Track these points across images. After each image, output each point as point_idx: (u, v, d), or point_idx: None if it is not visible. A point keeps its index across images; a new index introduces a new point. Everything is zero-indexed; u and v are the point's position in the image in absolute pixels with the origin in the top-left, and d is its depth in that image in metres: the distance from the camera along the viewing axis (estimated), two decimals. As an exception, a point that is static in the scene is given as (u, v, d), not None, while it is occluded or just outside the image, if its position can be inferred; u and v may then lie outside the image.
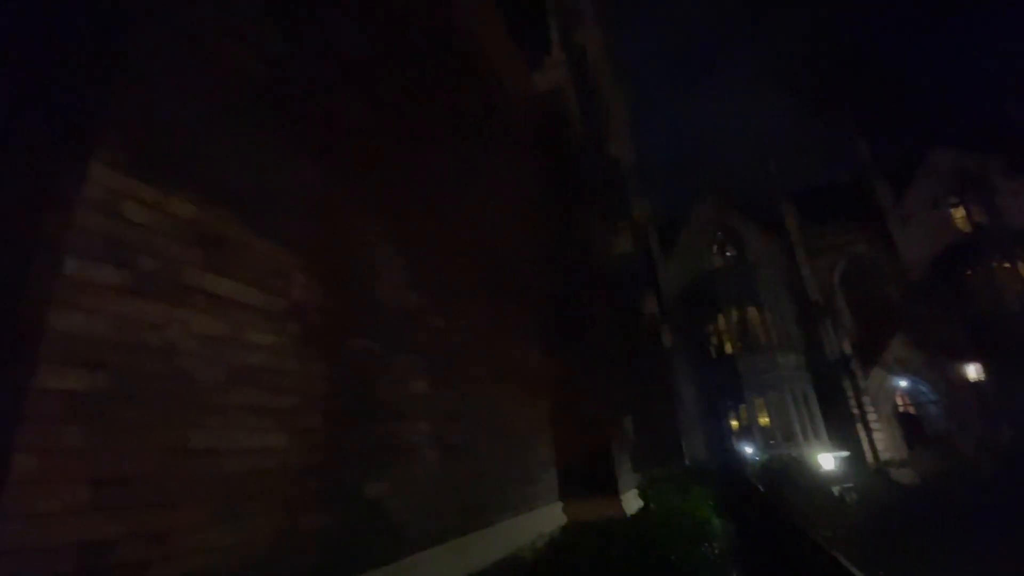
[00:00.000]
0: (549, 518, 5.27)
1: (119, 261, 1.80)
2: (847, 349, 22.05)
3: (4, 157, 1.67)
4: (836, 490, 10.47)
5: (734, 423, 21.65)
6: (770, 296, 22.29)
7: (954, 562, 7.40)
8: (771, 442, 19.83)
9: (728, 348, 22.17)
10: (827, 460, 14.79)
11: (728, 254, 25.50)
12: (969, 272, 21.96)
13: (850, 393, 21.44)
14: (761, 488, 10.44)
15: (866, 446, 20.69)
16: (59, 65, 1.90)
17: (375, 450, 2.96)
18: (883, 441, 20.88)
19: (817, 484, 10.95)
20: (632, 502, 6.23)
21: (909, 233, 23.33)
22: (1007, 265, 21.49)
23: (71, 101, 1.84)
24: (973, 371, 19.56)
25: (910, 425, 21.67)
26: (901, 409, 22.19)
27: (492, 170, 5.99)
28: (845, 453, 17.64)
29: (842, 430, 20.74)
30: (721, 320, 22.53)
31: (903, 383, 21.94)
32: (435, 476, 3.49)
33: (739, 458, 18.24)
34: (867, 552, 6.60)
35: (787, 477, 10.47)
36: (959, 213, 23.51)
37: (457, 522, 3.60)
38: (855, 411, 21.24)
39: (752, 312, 22.19)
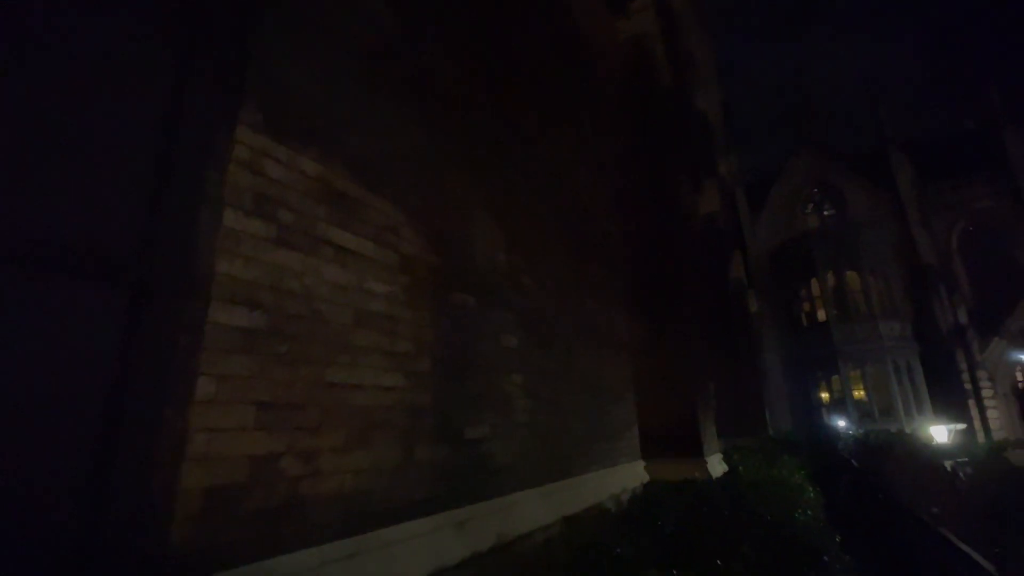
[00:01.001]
0: (632, 475, 5.35)
1: (264, 214, 2.01)
2: (962, 318, 19.79)
3: (172, 123, 1.90)
4: (949, 464, 9.64)
5: (824, 395, 20.36)
6: (873, 259, 20.25)
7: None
8: (867, 417, 18.49)
9: (821, 316, 20.59)
10: (940, 433, 13.58)
11: (825, 213, 23.35)
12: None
13: (963, 366, 19.37)
14: (855, 463, 9.87)
15: (978, 424, 18.77)
16: (207, 38, 2.09)
17: (475, 396, 3.14)
18: (998, 420, 18.83)
19: (925, 460, 10.15)
20: (717, 466, 6.15)
21: (1044, 187, 20.03)
22: None
23: (219, 70, 2.03)
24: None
25: (1032, 403, 19.30)
26: (1022, 385, 19.75)
27: (578, 127, 5.87)
28: (961, 426, 16.07)
29: (951, 406, 18.91)
30: (815, 285, 20.88)
31: (1026, 356, 19.41)
32: (528, 425, 3.65)
33: (830, 431, 17.25)
34: (979, 531, 6.11)
35: (889, 452, 9.79)
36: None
37: (548, 469, 3.77)
38: (968, 386, 19.21)
39: (851, 277, 20.33)
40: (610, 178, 6.61)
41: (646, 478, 5.59)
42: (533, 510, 3.37)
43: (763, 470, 5.77)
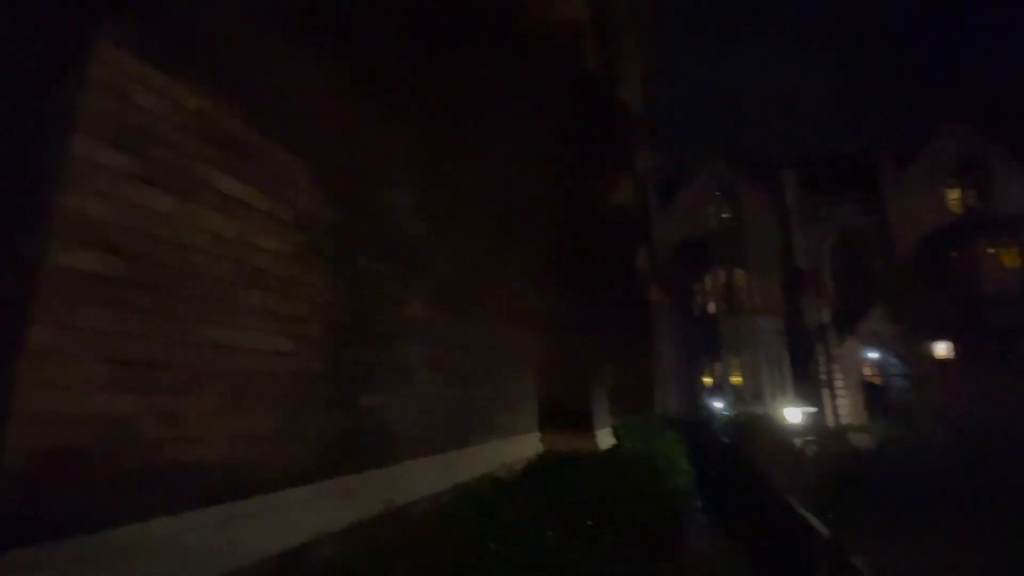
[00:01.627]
0: (528, 445, 5.56)
1: (128, 146, 1.76)
2: (825, 318, 22.65)
3: (15, 28, 1.59)
4: (798, 442, 11.16)
5: (707, 380, 22.47)
6: (759, 261, 22.53)
7: (893, 513, 8.18)
8: (740, 400, 20.72)
9: (712, 308, 22.62)
10: (794, 414, 15.49)
11: (724, 215, 25.45)
12: (954, 254, 22.25)
13: (821, 359, 22.25)
14: (725, 440, 11.08)
15: (829, 410, 21.76)
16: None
17: (372, 365, 3.06)
18: (846, 407, 21.96)
19: (781, 439, 11.67)
20: (606, 439, 6.57)
21: (903, 210, 23.37)
22: (991, 251, 21.79)
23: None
24: (942, 349, 20.39)
25: (874, 394, 22.72)
26: (867, 379, 23.17)
27: (504, 104, 5.81)
28: (813, 409, 18.53)
29: (809, 394, 21.69)
30: (708, 280, 22.84)
31: (874, 354, 22.78)
32: (427, 395, 3.63)
33: (707, 411, 19.13)
34: (820, 499, 7.14)
35: (753, 431, 11.11)
36: (954, 195, 23.48)
37: (446, 439, 3.80)
38: (824, 376, 22.14)
39: (739, 275, 22.49)
40: (533, 159, 6.65)
41: (541, 449, 5.84)
42: (427, 478, 3.39)
43: (646, 444, 6.27)
